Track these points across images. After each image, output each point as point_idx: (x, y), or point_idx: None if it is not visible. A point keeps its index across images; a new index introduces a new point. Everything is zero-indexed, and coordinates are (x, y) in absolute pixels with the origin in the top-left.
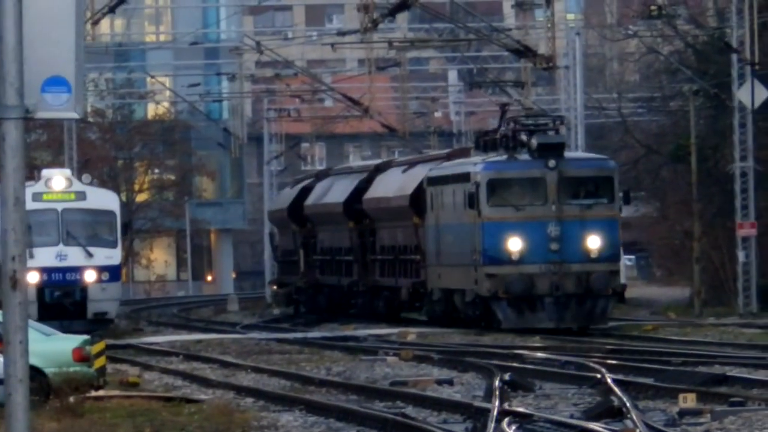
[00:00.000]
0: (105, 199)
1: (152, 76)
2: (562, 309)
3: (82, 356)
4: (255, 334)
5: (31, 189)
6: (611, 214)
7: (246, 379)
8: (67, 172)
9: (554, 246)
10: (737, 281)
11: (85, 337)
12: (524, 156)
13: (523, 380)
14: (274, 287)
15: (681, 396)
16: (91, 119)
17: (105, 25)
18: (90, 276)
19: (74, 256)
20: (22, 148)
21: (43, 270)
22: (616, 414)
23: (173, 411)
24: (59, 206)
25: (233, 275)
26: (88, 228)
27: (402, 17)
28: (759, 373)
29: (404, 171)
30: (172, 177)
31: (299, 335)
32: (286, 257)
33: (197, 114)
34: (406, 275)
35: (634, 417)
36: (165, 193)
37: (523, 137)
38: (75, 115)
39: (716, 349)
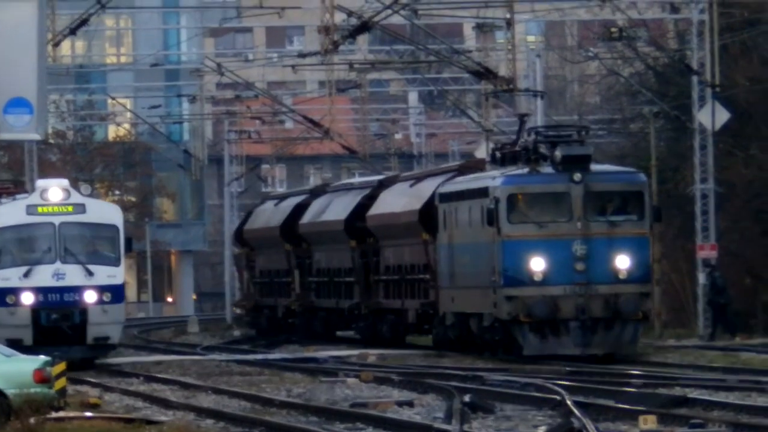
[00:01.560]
0: (106, 213)
1: (113, 98)
2: (589, 334)
3: (43, 377)
4: (215, 356)
5: (24, 201)
6: (641, 231)
7: (206, 401)
8: (65, 182)
9: (580, 266)
10: (697, 303)
11: (46, 358)
12: (547, 169)
13: (484, 402)
14: (236, 309)
15: (641, 418)
16: (52, 141)
17: (66, 46)
18: (90, 297)
19: (73, 274)
20: None
21: (39, 290)
22: None
23: None
24: (56, 220)
25: (194, 297)
26: (88, 244)
27: (362, 39)
28: (719, 395)
29: (411, 185)
30: (133, 198)
31: (260, 357)
32: (271, 278)
33: (158, 135)
34: (413, 296)
35: None
36: (126, 214)
37: (544, 150)
38: (37, 137)
39: (677, 371)
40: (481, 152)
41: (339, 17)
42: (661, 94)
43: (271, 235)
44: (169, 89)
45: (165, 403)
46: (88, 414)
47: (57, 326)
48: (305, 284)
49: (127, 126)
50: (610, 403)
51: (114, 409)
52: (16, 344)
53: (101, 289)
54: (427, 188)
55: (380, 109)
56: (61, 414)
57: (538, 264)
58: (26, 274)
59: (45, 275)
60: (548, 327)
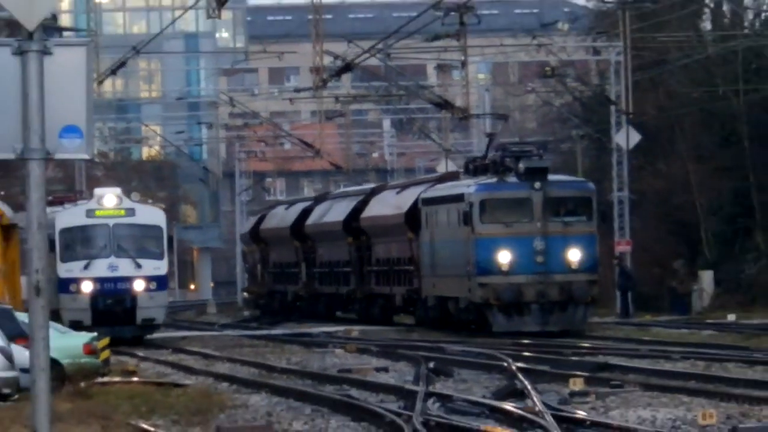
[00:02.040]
0: (152, 215)
1: (146, 125)
2: (547, 314)
3: (90, 350)
4: (229, 332)
5: (84, 206)
6: (590, 230)
7: (222, 368)
8: (118, 190)
9: (539, 258)
10: (615, 288)
11: (93, 334)
12: (512, 179)
13: (445, 368)
14: (246, 294)
15: (571, 380)
16: (97, 160)
17: (108, 84)
18: (139, 285)
19: (124, 267)
20: (43, 183)
21: (96, 280)
22: (520, 395)
23: (164, 393)
24: (110, 221)
25: (212, 285)
26: (137, 241)
27: (346, 77)
28: (634, 362)
29: (398, 193)
30: (162, 206)
31: (265, 332)
32: (282, 269)
33: (182, 155)
34: (400, 284)
35: (534, 397)
36: None
37: (510, 162)
38: (86, 156)
39: (600, 342)
40: (442, 167)
41: (327, 60)
42: (585, 121)
43: (282, 234)
44: (191, 118)
45: (189, 370)
46: (134, 379)
47: (111, 310)
48: (310, 274)
49: (157, 148)
50: (547, 368)
51: (148, 375)
52: (77, 325)
53: (148, 279)
54: (411, 195)
55: (360, 133)
56: (106, 379)
57: (505, 257)
58: (86, 267)
59: (101, 267)
60: (513, 308)
